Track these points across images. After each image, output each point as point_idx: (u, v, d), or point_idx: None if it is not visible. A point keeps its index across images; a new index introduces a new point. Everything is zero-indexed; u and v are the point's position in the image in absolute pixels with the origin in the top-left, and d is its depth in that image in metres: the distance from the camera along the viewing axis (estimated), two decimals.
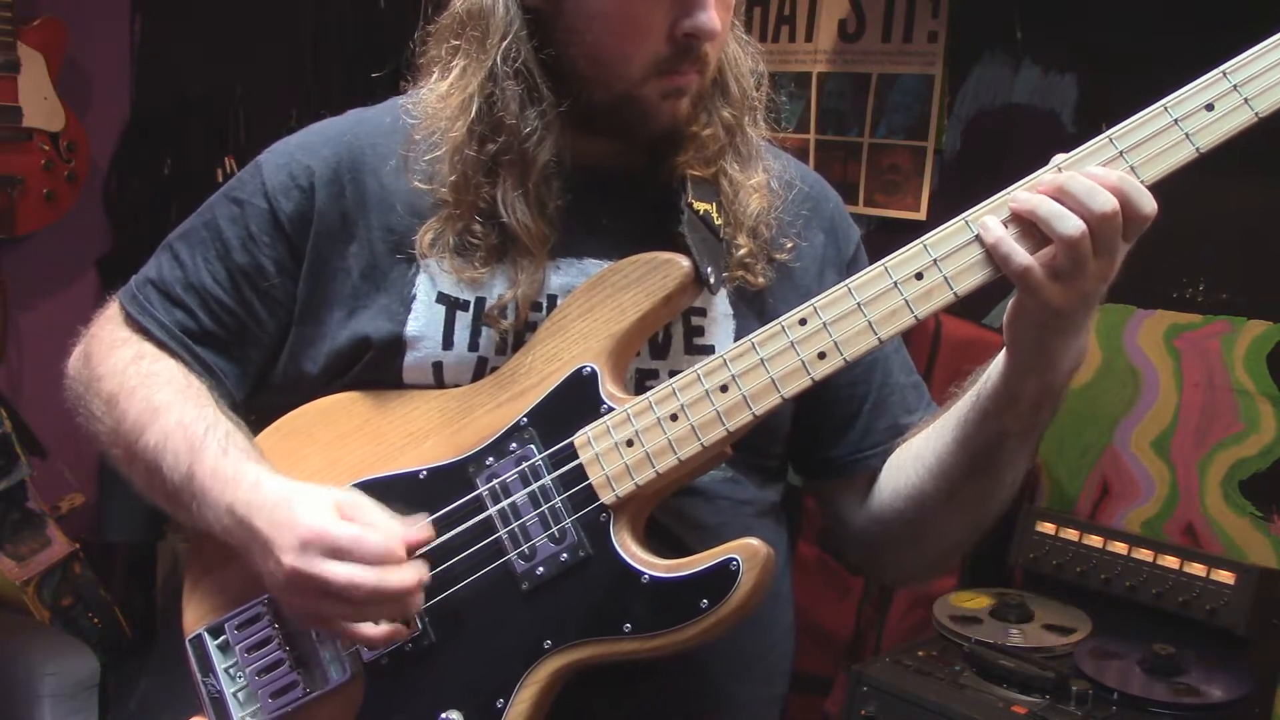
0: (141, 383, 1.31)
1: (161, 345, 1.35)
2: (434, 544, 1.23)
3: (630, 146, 1.31)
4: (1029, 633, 2.19)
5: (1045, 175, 1.10)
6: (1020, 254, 1.08)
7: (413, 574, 1.16)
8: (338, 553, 1.14)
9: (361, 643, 1.21)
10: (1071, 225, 1.06)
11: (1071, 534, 2.26)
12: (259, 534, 1.18)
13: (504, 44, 1.24)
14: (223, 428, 1.27)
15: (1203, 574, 2.09)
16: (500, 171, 1.26)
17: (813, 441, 1.40)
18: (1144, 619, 2.15)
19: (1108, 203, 1.05)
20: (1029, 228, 1.09)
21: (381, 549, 1.15)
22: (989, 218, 1.11)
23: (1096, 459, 2.38)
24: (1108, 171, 1.08)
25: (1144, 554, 2.17)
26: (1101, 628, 2.19)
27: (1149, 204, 1.07)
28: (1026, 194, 1.09)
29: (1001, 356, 1.17)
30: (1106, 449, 2.36)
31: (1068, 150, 1.11)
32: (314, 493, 1.19)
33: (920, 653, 2.15)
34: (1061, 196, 1.07)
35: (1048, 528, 2.29)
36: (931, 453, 1.27)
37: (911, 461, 1.31)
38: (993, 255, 1.10)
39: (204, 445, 1.25)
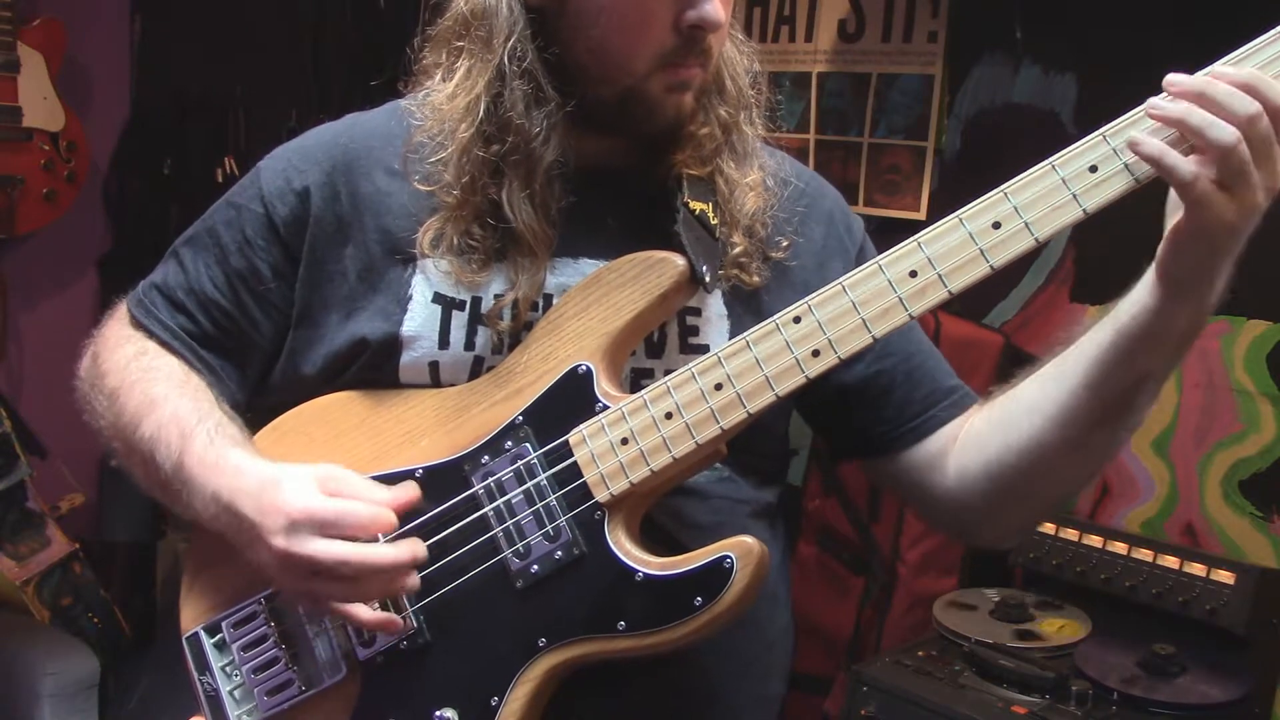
0: (141, 377, 1.33)
1: (165, 345, 1.37)
2: (429, 542, 1.23)
3: (628, 145, 1.31)
4: (1029, 632, 2.19)
5: (1178, 76, 1.03)
6: (1187, 162, 1.01)
7: (405, 550, 1.17)
8: (326, 528, 1.15)
9: (355, 625, 1.21)
10: (1228, 131, 1.00)
11: (1071, 534, 2.25)
12: (246, 519, 1.18)
13: (509, 44, 1.24)
14: (214, 419, 1.28)
15: (1202, 574, 2.09)
16: (506, 172, 1.26)
17: (859, 425, 1.37)
18: (1144, 619, 2.14)
19: (1251, 105, 1.01)
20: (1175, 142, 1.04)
21: (368, 516, 1.16)
22: (1136, 132, 1.04)
23: None
24: (1235, 71, 1.03)
25: (1144, 554, 2.16)
26: (1101, 628, 2.18)
27: None
28: (1170, 104, 1.03)
29: (1145, 294, 1.11)
30: None
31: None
32: (296, 472, 1.20)
33: (920, 653, 2.15)
34: (1204, 104, 1.02)
35: (1048, 528, 2.28)
36: (1052, 403, 1.21)
37: (1025, 414, 1.24)
38: (1158, 167, 1.03)
39: (194, 434, 1.26)
